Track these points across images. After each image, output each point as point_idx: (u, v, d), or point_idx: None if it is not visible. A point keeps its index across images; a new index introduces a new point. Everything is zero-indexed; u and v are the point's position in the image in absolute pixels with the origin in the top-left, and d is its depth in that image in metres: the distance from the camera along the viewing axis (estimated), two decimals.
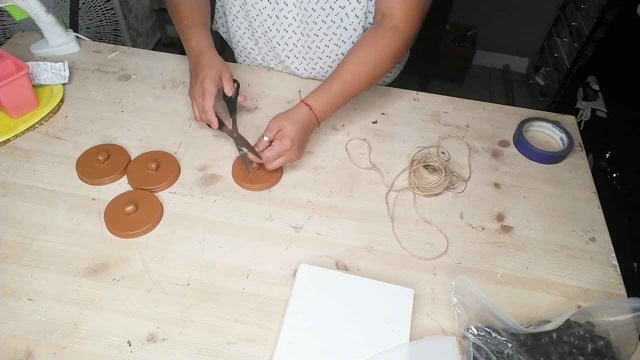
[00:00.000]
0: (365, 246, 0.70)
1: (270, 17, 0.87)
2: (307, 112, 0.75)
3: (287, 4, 0.84)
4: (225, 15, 0.95)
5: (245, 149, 0.77)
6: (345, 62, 0.78)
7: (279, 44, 0.92)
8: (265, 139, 0.74)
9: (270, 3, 0.85)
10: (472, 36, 2.42)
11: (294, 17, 0.86)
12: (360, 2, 0.81)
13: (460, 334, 0.59)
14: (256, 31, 0.92)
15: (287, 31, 0.88)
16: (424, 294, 0.65)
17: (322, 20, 0.84)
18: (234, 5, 0.90)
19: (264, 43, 0.94)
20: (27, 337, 0.58)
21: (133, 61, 0.98)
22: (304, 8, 0.83)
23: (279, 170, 0.78)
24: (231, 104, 0.83)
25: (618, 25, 1.72)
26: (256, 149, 0.75)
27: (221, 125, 0.79)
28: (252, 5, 0.87)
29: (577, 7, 2.04)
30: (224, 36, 1.03)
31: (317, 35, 0.87)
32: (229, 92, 0.80)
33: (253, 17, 0.89)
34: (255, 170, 0.77)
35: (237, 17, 0.92)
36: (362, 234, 0.71)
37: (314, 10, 0.83)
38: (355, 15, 0.83)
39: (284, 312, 0.61)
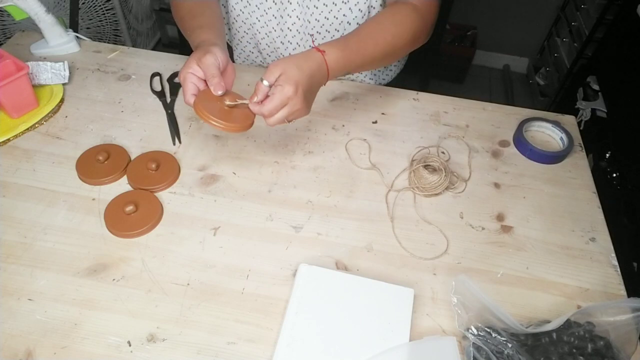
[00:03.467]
0: (365, 246, 0.70)
1: (275, 18, 0.88)
2: (318, 58, 0.66)
3: (290, 3, 0.84)
4: (225, 19, 0.96)
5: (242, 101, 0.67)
6: (363, 25, 0.74)
7: (282, 43, 0.92)
8: (265, 83, 0.64)
9: (275, 4, 0.85)
10: (472, 36, 2.42)
11: (297, 16, 0.86)
12: None
13: (460, 334, 0.59)
14: (259, 32, 0.92)
15: (290, 30, 0.88)
16: (424, 294, 0.65)
17: (325, 17, 0.84)
18: (235, 9, 0.90)
19: (266, 44, 0.94)
20: (27, 337, 0.58)
21: (133, 61, 0.98)
22: (306, 6, 0.84)
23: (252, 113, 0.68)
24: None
25: (618, 25, 1.72)
26: (255, 98, 0.64)
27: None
28: (256, 6, 0.87)
29: (577, 7, 2.04)
30: (226, 37, 1.03)
31: (320, 33, 0.87)
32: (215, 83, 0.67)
33: (257, 19, 0.89)
34: (227, 110, 0.67)
35: (236, 21, 0.93)
36: (362, 234, 0.71)
37: (316, 8, 0.83)
38: (359, 10, 0.83)
39: (284, 312, 0.61)
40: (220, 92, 0.66)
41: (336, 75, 0.70)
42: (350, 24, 0.85)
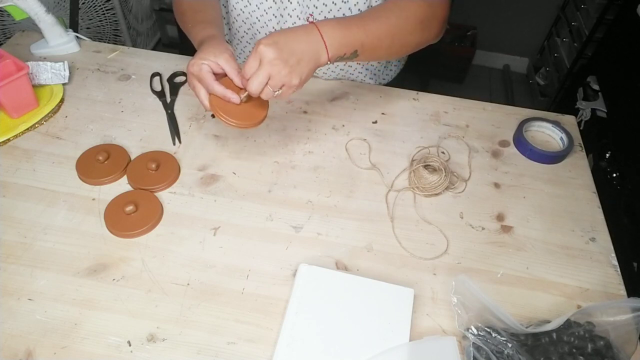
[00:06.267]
0: (365, 246, 0.70)
1: (275, 17, 0.88)
2: (307, 24, 0.65)
3: (291, 2, 0.84)
4: (226, 18, 0.96)
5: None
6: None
7: None
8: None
9: (275, 3, 0.85)
10: (472, 36, 2.42)
11: (297, 16, 0.86)
12: None
13: (460, 334, 0.59)
14: (259, 32, 0.92)
15: None
16: (424, 294, 0.65)
17: (324, 17, 0.84)
18: (235, 8, 0.90)
19: None
20: (27, 337, 0.58)
21: (133, 61, 0.98)
22: (306, 5, 0.84)
23: (264, 107, 0.70)
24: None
25: (618, 25, 1.72)
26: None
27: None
28: (256, 5, 0.87)
29: (577, 7, 2.04)
30: (225, 38, 1.03)
31: None
32: (233, 75, 0.69)
33: (257, 18, 0.89)
34: (236, 107, 0.68)
35: (237, 20, 0.92)
36: (362, 234, 0.71)
37: (316, 7, 0.83)
38: (359, 10, 0.83)
39: (284, 312, 0.61)
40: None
41: (337, 46, 0.66)
42: None
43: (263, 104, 0.70)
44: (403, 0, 0.73)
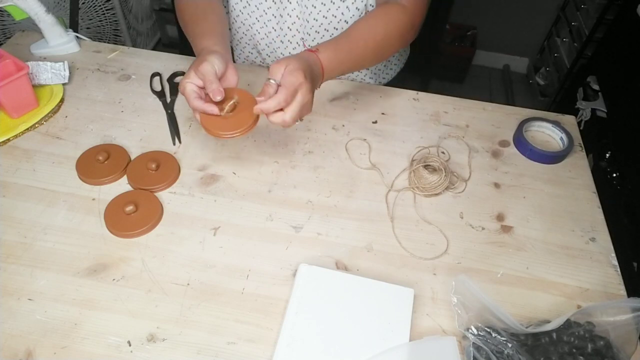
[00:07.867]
0: (365, 246, 0.70)
1: (275, 17, 0.88)
2: (313, 56, 0.68)
3: (290, 2, 0.84)
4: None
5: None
6: (353, 25, 0.76)
7: (282, 42, 0.92)
8: (272, 81, 0.64)
9: (275, 3, 0.85)
10: (472, 36, 2.42)
11: (297, 16, 0.86)
12: None
13: (460, 334, 0.59)
14: (258, 32, 0.92)
15: (290, 29, 0.89)
16: (424, 294, 0.65)
17: (323, 16, 0.85)
18: (234, 9, 0.90)
19: (265, 44, 0.94)
20: (27, 337, 0.58)
21: (133, 61, 0.98)
22: (305, 5, 0.84)
23: (250, 112, 0.67)
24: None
25: (618, 25, 1.72)
26: (262, 97, 0.64)
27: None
28: (255, 6, 0.87)
29: (577, 7, 2.04)
30: None
31: (318, 32, 0.88)
32: (231, 79, 0.71)
33: (256, 19, 0.89)
34: (227, 116, 0.68)
35: (236, 21, 0.93)
36: (362, 234, 0.71)
37: (314, 7, 0.83)
38: (356, 8, 0.83)
39: (284, 312, 0.61)
40: (218, 98, 0.66)
41: (329, 75, 0.71)
42: (347, 22, 0.85)
43: (248, 109, 0.67)
44: (388, 14, 0.76)
